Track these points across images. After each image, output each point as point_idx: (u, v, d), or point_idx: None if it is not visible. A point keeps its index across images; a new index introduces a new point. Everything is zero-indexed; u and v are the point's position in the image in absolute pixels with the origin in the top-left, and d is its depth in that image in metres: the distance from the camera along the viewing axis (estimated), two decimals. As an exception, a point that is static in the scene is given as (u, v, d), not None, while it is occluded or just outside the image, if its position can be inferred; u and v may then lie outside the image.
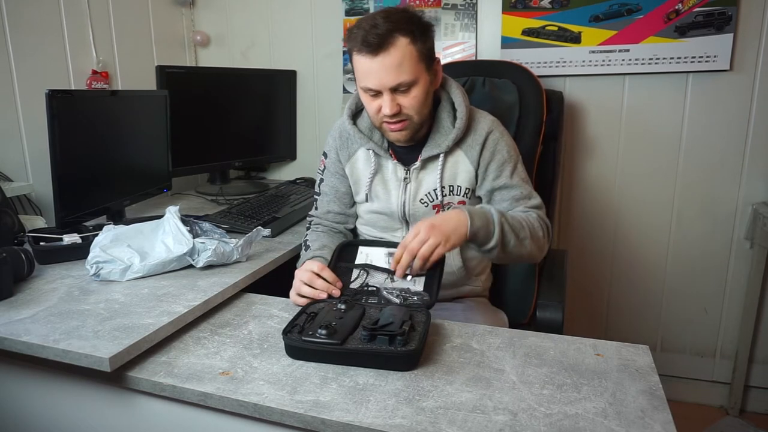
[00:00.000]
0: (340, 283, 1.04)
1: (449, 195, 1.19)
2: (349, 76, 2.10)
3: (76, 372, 0.88)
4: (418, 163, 1.18)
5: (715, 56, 1.70)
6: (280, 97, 2.17)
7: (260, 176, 2.32)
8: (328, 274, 1.04)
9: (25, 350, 0.87)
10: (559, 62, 1.84)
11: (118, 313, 0.97)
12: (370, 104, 1.11)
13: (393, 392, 0.78)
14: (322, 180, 1.31)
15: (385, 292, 1.02)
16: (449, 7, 1.92)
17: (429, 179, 1.19)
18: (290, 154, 2.26)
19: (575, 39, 1.81)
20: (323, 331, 0.86)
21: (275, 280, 1.23)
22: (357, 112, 1.24)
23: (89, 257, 1.12)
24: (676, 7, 1.70)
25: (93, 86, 1.76)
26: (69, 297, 1.05)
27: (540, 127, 1.53)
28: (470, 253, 1.23)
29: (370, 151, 1.21)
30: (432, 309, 0.98)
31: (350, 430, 0.71)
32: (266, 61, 2.20)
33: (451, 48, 1.95)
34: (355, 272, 1.09)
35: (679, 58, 1.73)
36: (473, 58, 1.93)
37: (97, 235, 1.19)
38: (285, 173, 2.30)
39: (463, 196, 1.19)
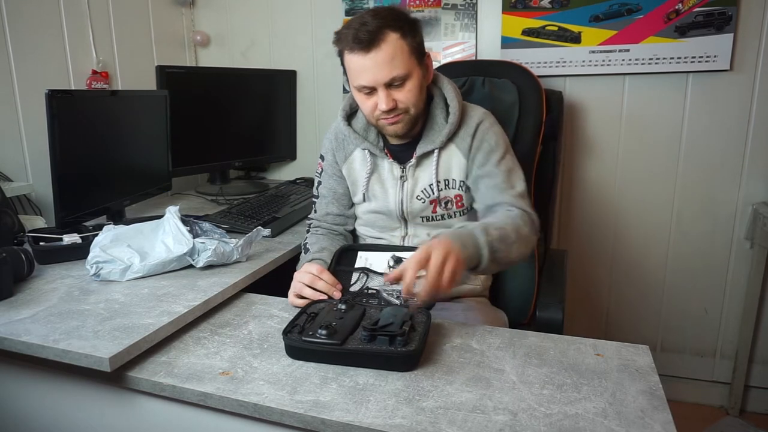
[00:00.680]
0: (340, 286, 1.04)
1: (445, 189, 1.20)
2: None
3: (76, 372, 0.88)
4: (413, 160, 1.19)
5: (715, 56, 1.70)
6: (280, 97, 2.17)
7: (260, 176, 2.32)
8: (327, 276, 1.04)
9: (24, 350, 0.87)
10: (559, 62, 1.84)
11: (118, 313, 0.97)
12: (366, 102, 1.12)
13: (393, 392, 0.78)
14: (320, 183, 1.31)
15: (385, 294, 1.03)
16: (449, 7, 1.92)
17: (425, 175, 1.20)
18: (290, 154, 2.27)
19: (575, 39, 1.81)
20: (323, 332, 0.86)
21: (275, 280, 1.23)
22: (351, 114, 1.26)
23: (89, 257, 1.12)
24: (676, 7, 1.70)
25: (93, 86, 1.76)
26: (69, 297, 1.05)
27: (539, 127, 1.53)
28: None
29: (366, 152, 1.22)
30: (432, 309, 0.98)
31: (350, 430, 0.71)
32: (266, 61, 2.20)
33: (451, 48, 1.95)
34: (355, 275, 1.09)
35: (679, 58, 1.73)
36: (473, 58, 1.93)
37: (97, 235, 1.19)
38: (285, 173, 2.30)
39: (458, 188, 1.21)
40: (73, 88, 1.71)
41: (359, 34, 1.04)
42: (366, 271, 1.08)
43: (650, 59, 1.76)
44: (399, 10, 1.10)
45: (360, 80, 1.08)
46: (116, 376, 0.85)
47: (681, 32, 1.71)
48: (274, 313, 1.05)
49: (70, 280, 1.13)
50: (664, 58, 1.74)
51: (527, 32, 1.84)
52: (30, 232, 1.31)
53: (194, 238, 1.20)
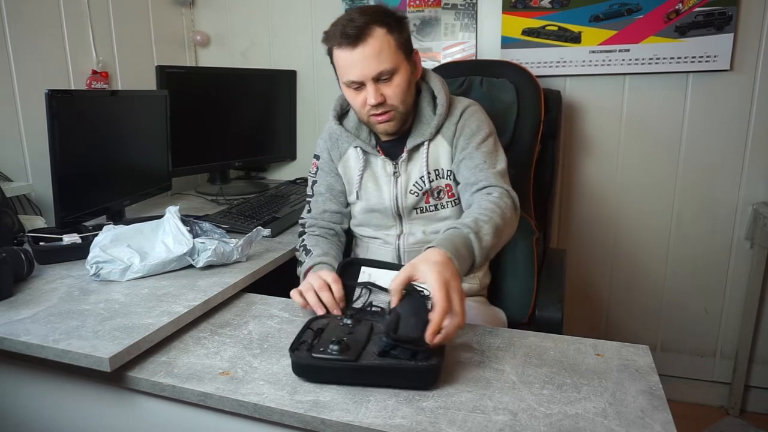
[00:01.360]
0: (344, 304, 0.99)
1: (436, 179, 1.21)
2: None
3: (76, 372, 0.88)
4: (404, 155, 1.20)
5: (715, 56, 1.70)
6: (280, 97, 2.17)
7: (260, 176, 2.32)
8: (337, 290, 0.99)
9: (24, 350, 0.87)
10: (559, 62, 1.84)
11: (118, 313, 0.97)
12: (356, 99, 1.13)
13: (393, 392, 0.78)
14: (315, 182, 1.31)
15: (379, 296, 0.99)
16: (449, 7, 1.92)
17: (416, 168, 1.21)
18: (290, 154, 2.27)
19: (575, 39, 1.81)
20: (335, 347, 0.79)
21: (275, 280, 1.23)
22: (342, 114, 1.28)
23: (89, 257, 1.12)
24: (676, 7, 1.70)
25: (93, 86, 1.76)
26: (69, 297, 1.05)
27: (538, 127, 1.53)
28: None
29: (359, 149, 1.23)
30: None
31: (350, 430, 0.71)
32: (266, 61, 2.20)
33: (451, 48, 1.94)
34: (358, 290, 1.04)
35: (679, 58, 1.73)
36: (473, 58, 1.93)
37: (97, 235, 1.19)
38: (285, 173, 2.30)
39: (447, 177, 1.21)
40: (73, 88, 1.71)
41: (347, 30, 1.07)
42: (370, 286, 1.03)
43: (650, 59, 1.76)
44: (385, 8, 1.13)
45: (348, 75, 1.10)
46: (116, 376, 0.85)
47: (681, 32, 1.71)
48: (274, 313, 1.05)
49: (70, 280, 1.13)
50: (664, 58, 1.74)
51: (527, 32, 1.84)
52: (30, 232, 1.31)
53: (194, 238, 1.20)
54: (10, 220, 1.32)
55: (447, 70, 1.63)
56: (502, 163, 1.16)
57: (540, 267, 1.44)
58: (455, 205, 1.23)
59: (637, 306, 1.98)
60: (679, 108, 1.80)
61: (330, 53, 1.14)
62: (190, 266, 1.19)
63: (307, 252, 1.20)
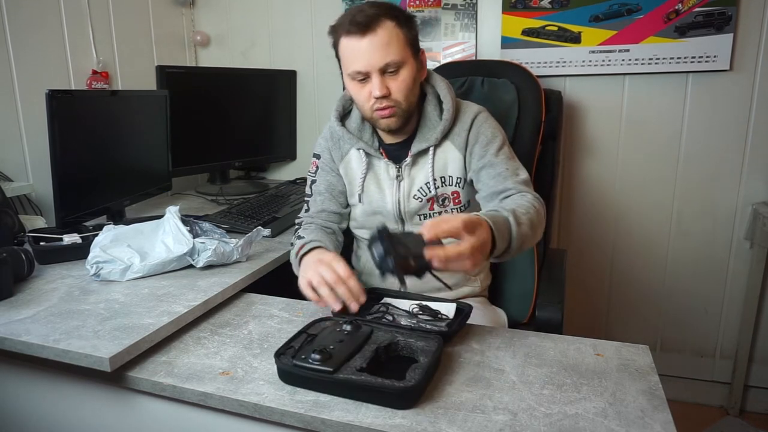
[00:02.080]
0: (364, 298, 0.94)
1: (442, 186, 1.20)
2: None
3: (76, 372, 0.88)
4: (408, 159, 1.19)
5: (715, 56, 1.70)
6: (280, 97, 2.17)
7: (260, 176, 2.32)
8: (354, 284, 0.94)
9: (25, 350, 0.87)
10: (559, 62, 1.84)
11: (118, 313, 0.97)
12: (360, 92, 1.12)
13: (393, 392, 0.78)
14: (314, 181, 1.29)
15: (397, 310, 0.98)
16: (449, 7, 1.92)
17: (421, 174, 1.19)
18: (290, 154, 2.27)
19: (575, 39, 1.81)
20: (317, 356, 0.78)
21: (275, 280, 1.23)
22: (345, 115, 1.26)
23: (89, 257, 1.12)
24: (676, 7, 1.70)
25: (93, 86, 1.76)
26: (69, 297, 1.05)
27: (539, 127, 1.53)
28: None
29: (361, 151, 1.22)
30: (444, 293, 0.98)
31: (350, 430, 0.71)
32: (266, 61, 2.20)
33: (451, 48, 1.95)
34: (375, 307, 1.01)
35: (679, 58, 1.73)
36: (473, 58, 1.93)
37: (97, 235, 1.19)
38: (285, 173, 2.30)
39: (455, 185, 1.20)
40: (73, 88, 1.71)
41: (357, 18, 1.06)
42: (387, 306, 1.01)
43: (650, 59, 1.76)
44: (395, 5, 1.12)
45: (354, 65, 1.08)
46: (116, 376, 0.85)
47: (681, 32, 1.71)
48: (274, 313, 1.05)
49: (70, 280, 1.13)
50: (664, 58, 1.75)
51: (527, 32, 1.84)
52: (30, 232, 1.31)
53: (194, 238, 1.20)
54: (10, 220, 1.32)
55: (448, 71, 1.63)
56: (524, 171, 1.15)
57: (540, 267, 1.44)
58: (461, 211, 1.22)
59: (637, 306, 1.98)
60: (679, 108, 1.80)
61: (336, 45, 1.12)
62: (190, 266, 1.19)
63: (300, 237, 1.17)
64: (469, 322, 0.97)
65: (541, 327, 1.18)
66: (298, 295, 1.02)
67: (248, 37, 2.20)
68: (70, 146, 1.34)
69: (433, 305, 0.99)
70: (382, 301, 1.02)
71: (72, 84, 1.72)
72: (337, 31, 1.10)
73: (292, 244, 1.20)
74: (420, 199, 1.20)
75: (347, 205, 1.29)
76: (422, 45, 1.17)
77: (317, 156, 1.30)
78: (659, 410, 0.73)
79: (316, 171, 1.29)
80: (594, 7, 1.77)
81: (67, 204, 1.34)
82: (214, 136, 1.99)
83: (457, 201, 1.22)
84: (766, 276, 1.80)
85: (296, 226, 1.28)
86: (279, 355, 0.81)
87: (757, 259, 1.79)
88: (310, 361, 0.78)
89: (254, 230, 1.27)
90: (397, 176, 1.20)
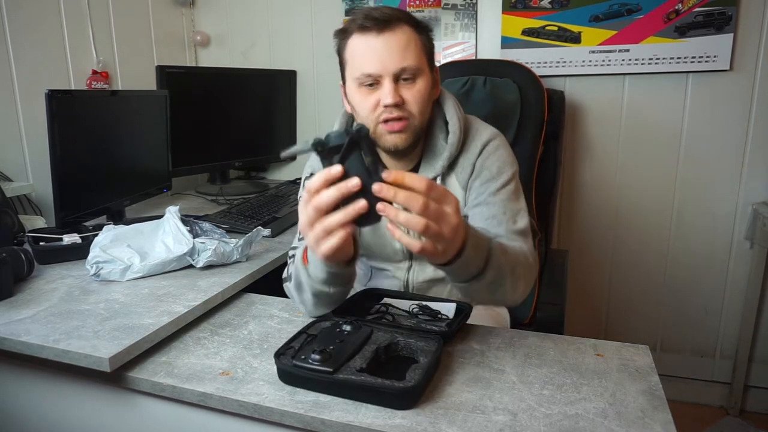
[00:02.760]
0: (357, 180, 0.69)
1: None
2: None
3: (76, 372, 0.88)
4: None
5: (715, 56, 1.70)
6: (280, 97, 2.17)
7: (260, 176, 2.32)
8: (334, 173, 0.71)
9: (25, 350, 0.87)
10: (559, 62, 1.84)
11: (118, 313, 0.97)
12: (365, 99, 0.96)
13: (393, 392, 0.77)
14: None
15: (396, 311, 0.97)
16: (449, 7, 1.92)
17: None
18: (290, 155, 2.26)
19: (575, 39, 1.81)
20: (317, 356, 0.77)
21: (275, 280, 1.23)
22: None
23: (89, 257, 1.12)
24: (676, 7, 1.70)
25: (93, 86, 1.76)
26: (69, 297, 1.05)
27: (541, 127, 1.54)
28: None
29: None
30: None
31: (350, 430, 0.71)
32: (266, 61, 2.20)
33: (451, 48, 1.95)
34: (375, 308, 1.01)
35: (679, 58, 1.73)
36: (473, 58, 1.93)
37: (97, 235, 1.19)
38: (285, 173, 2.30)
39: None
40: (73, 88, 1.71)
41: (373, 13, 0.93)
42: (387, 306, 1.00)
43: (650, 59, 1.76)
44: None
45: (365, 67, 0.94)
46: (116, 376, 0.85)
47: (681, 32, 1.71)
48: (274, 313, 1.05)
49: (70, 280, 1.13)
50: (664, 58, 1.75)
51: (527, 32, 1.84)
52: (30, 232, 1.31)
53: (194, 238, 1.20)
54: (10, 220, 1.32)
55: (449, 70, 1.63)
56: (524, 218, 1.00)
57: (542, 267, 1.44)
58: None
59: (638, 306, 1.98)
60: (679, 108, 1.80)
61: (342, 47, 0.99)
62: (190, 266, 1.19)
63: (292, 257, 1.01)
64: (470, 322, 0.97)
65: (542, 327, 1.19)
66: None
67: (248, 37, 2.20)
68: (70, 146, 1.34)
69: (433, 305, 0.99)
70: (382, 301, 1.02)
71: (72, 84, 1.72)
72: (346, 30, 0.97)
73: (285, 279, 1.02)
74: None
75: None
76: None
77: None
78: (659, 410, 0.73)
79: None
80: (594, 7, 1.77)
81: (67, 204, 1.34)
82: (214, 136, 1.99)
83: None
84: (766, 276, 1.80)
85: (289, 259, 1.04)
86: (279, 355, 0.81)
87: (757, 260, 1.79)
88: (310, 361, 0.77)
89: (254, 230, 1.26)
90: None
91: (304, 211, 0.73)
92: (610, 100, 1.85)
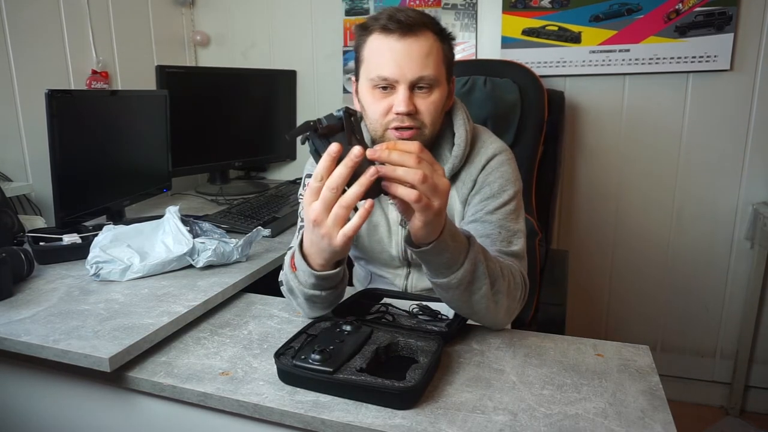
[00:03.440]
0: (360, 149, 0.70)
1: None
2: (349, 76, 2.09)
3: (76, 372, 0.88)
4: None
5: (715, 56, 1.70)
6: (280, 97, 2.17)
7: (260, 176, 2.32)
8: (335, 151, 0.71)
9: (25, 350, 0.87)
10: (559, 62, 1.84)
11: (118, 313, 0.97)
12: (378, 102, 0.94)
13: (393, 392, 0.77)
14: None
15: (396, 311, 0.97)
16: (449, 7, 1.92)
17: None
18: (290, 154, 2.27)
19: (575, 39, 1.81)
20: (317, 356, 0.77)
21: (275, 280, 1.23)
22: None
23: (89, 257, 1.12)
24: (677, 7, 1.70)
25: (93, 86, 1.76)
26: (69, 297, 1.05)
27: (541, 127, 1.53)
28: None
29: None
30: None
31: (350, 430, 0.71)
32: (266, 61, 2.20)
33: (451, 48, 1.94)
34: (375, 307, 1.00)
35: (679, 58, 1.73)
36: (473, 58, 1.92)
37: (97, 235, 1.19)
38: (285, 173, 2.30)
39: None
40: (73, 88, 1.71)
41: (398, 16, 0.90)
42: (387, 306, 1.00)
43: (650, 59, 1.76)
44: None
45: (382, 69, 0.92)
46: (116, 376, 0.85)
47: (681, 32, 1.71)
48: (274, 313, 1.05)
49: (70, 280, 1.13)
50: (664, 58, 1.74)
51: (527, 32, 1.84)
52: (30, 232, 1.31)
53: (194, 238, 1.20)
54: (10, 220, 1.32)
55: (447, 70, 1.63)
56: (520, 241, 0.98)
57: (542, 268, 1.44)
58: None
59: (638, 306, 1.98)
60: (679, 108, 1.80)
61: (360, 44, 0.96)
62: (190, 266, 1.19)
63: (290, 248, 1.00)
64: (470, 322, 0.97)
65: (542, 327, 1.18)
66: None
67: (248, 37, 2.20)
68: (70, 146, 1.34)
69: (433, 305, 0.99)
70: (382, 302, 1.02)
71: (72, 84, 1.72)
72: (367, 28, 0.94)
73: (280, 282, 1.00)
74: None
75: None
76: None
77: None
78: (659, 410, 0.73)
79: None
80: (594, 6, 1.77)
81: (67, 204, 1.34)
82: (214, 136, 1.99)
83: None
84: (766, 276, 1.80)
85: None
86: (279, 355, 0.81)
87: (757, 260, 1.78)
88: (310, 361, 0.77)
89: (254, 230, 1.26)
90: (403, 220, 1.03)
91: (315, 198, 0.72)
92: (610, 100, 1.85)
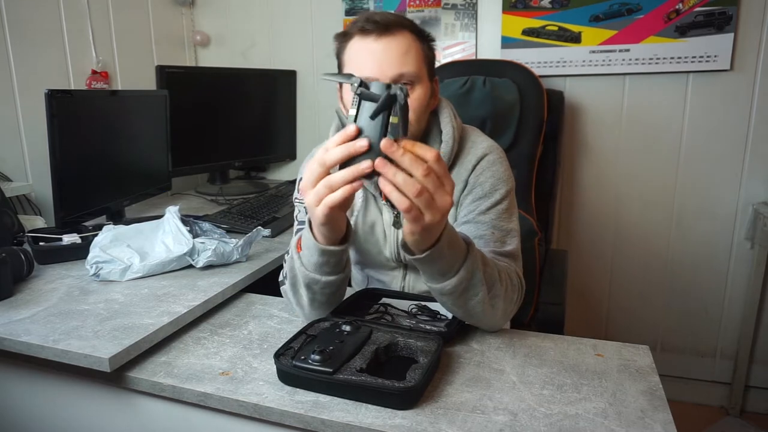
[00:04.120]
0: (365, 141, 0.68)
1: None
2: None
3: (76, 372, 0.88)
4: None
5: (715, 56, 1.70)
6: (280, 97, 2.17)
7: (260, 176, 2.32)
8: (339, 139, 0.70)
9: (24, 350, 0.87)
10: (559, 62, 1.84)
11: (118, 313, 0.97)
12: None
13: (393, 392, 0.77)
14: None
15: (395, 311, 0.97)
16: (449, 7, 1.92)
17: None
18: (290, 154, 2.27)
19: (575, 39, 1.81)
20: (317, 357, 0.77)
21: (275, 280, 1.23)
22: None
23: (89, 257, 1.12)
24: (677, 7, 1.70)
25: (93, 86, 1.76)
26: (69, 297, 1.05)
27: (541, 127, 1.54)
28: None
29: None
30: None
31: (350, 431, 0.71)
32: (266, 61, 2.20)
33: (451, 48, 1.94)
34: (373, 307, 1.00)
35: (679, 58, 1.73)
36: (473, 58, 1.92)
37: (96, 235, 1.19)
38: (285, 173, 2.30)
39: None
40: (73, 88, 1.71)
41: (374, 17, 0.93)
42: (386, 306, 1.00)
43: (650, 59, 1.76)
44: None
45: (362, 70, 0.93)
46: (116, 377, 0.85)
47: (681, 32, 1.71)
48: (274, 313, 1.05)
49: (70, 280, 1.13)
50: (664, 58, 1.74)
51: (527, 32, 1.84)
52: (30, 232, 1.31)
53: (194, 238, 1.20)
54: (9, 220, 1.32)
55: (449, 70, 1.64)
56: (514, 241, 0.98)
57: (541, 268, 1.44)
58: None
59: (638, 306, 1.98)
60: (679, 108, 1.80)
61: (341, 50, 0.98)
62: (190, 266, 1.19)
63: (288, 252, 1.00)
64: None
65: (542, 327, 1.18)
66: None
67: (248, 37, 2.20)
68: (70, 146, 1.34)
69: (432, 305, 0.99)
70: (381, 302, 1.02)
71: (71, 84, 1.72)
72: (347, 33, 0.97)
73: (281, 282, 1.01)
74: None
75: None
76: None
77: None
78: (659, 410, 0.73)
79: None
80: (594, 6, 1.77)
81: (67, 204, 1.34)
82: (214, 136, 1.99)
83: None
84: (766, 276, 1.80)
85: (285, 263, 1.03)
86: (278, 355, 0.81)
87: (757, 260, 1.78)
88: (310, 361, 0.77)
89: (254, 230, 1.26)
90: (396, 222, 1.06)
91: (308, 168, 0.73)
92: (610, 100, 1.85)
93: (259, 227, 1.31)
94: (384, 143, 0.66)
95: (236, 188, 2.04)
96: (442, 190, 0.70)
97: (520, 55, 1.84)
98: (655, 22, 1.73)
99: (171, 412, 0.85)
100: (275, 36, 2.17)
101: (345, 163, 0.69)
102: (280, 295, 1.11)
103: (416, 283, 1.10)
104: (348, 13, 2.04)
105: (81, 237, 1.29)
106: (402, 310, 0.98)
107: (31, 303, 1.02)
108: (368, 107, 0.69)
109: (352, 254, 1.15)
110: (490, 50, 1.90)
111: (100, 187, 1.47)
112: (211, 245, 1.18)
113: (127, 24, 1.92)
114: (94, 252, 1.13)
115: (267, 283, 1.22)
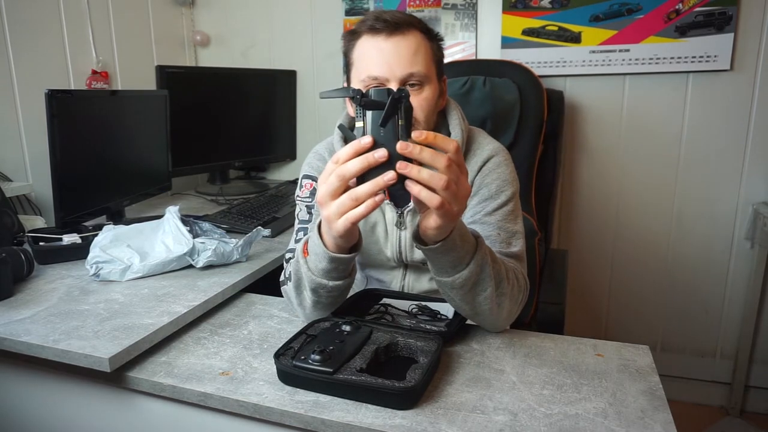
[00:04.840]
0: (384, 151, 0.68)
1: None
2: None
3: (76, 372, 0.88)
4: (411, 205, 0.91)
5: (715, 56, 1.70)
6: (280, 97, 2.17)
7: (260, 176, 2.32)
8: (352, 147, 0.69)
9: (25, 350, 0.87)
10: (559, 62, 1.84)
11: (118, 313, 0.97)
12: None
13: (393, 392, 0.77)
14: (309, 206, 1.07)
15: (395, 311, 0.97)
16: (449, 7, 1.92)
17: None
18: (290, 154, 2.27)
19: (575, 39, 1.81)
20: (317, 357, 0.77)
21: (275, 280, 1.23)
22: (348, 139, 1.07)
23: (89, 257, 1.12)
24: (677, 7, 1.70)
25: (93, 86, 1.76)
26: (69, 297, 1.05)
27: (541, 127, 1.53)
28: None
29: None
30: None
31: (350, 430, 0.71)
32: (266, 61, 2.20)
33: (451, 48, 1.94)
34: (374, 307, 1.00)
35: (679, 58, 1.73)
36: (473, 58, 1.92)
37: (96, 235, 1.19)
38: (285, 173, 2.30)
39: None
40: (73, 88, 1.71)
41: (384, 16, 0.92)
42: (386, 306, 1.00)
43: (650, 59, 1.76)
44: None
45: (371, 69, 0.92)
46: (116, 376, 0.85)
47: (681, 32, 1.71)
48: (274, 313, 1.05)
49: (70, 280, 1.13)
50: (664, 58, 1.74)
51: (527, 32, 1.84)
52: (30, 232, 1.31)
53: (194, 238, 1.20)
54: (9, 220, 1.32)
55: (449, 70, 1.62)
56: (519, 242, 0.98)
57: (541, 268, 1.44)
58: None
59: (638, 306, 1.98)
60: (679, 108, 1.80)
61: (349, 48, 0.97)
62: (190, 266, 1.19)
63: (293, 253, 1.00)
64: (468, 321, 0.97)
65: (542, 327, 1.18)
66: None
67: (248, 37, 2.20)
68: (70, 146, 1.34)
69: (432, 305, 0.99)
70: (381, 302, 1.02)
71: (72, 84, 1.72)
72: (355, 32, 0.96)
73: (282, 282, 1.01)
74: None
75: None
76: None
77: (312, 178, 1.09)
78: (659, 410, 0.73)
79: (310, 194, 1.08)
80: (594, 6, 1.77)
81: (67, 204, 1.34)
82: (214, 136, 1.99)
83: None
84: (766, 276, 1.80)
85: (286, 262, 1.04)
86: (278, 355, 0.81)
87: (757, 260, 1.78)
88: (310, 361, 0.77)
89: (254, 230, 1.26)
90: (399, 222, 1.03)
91: (326, 181, 0.71)
92: (610, 100, 1.85)
93: (259, 227, 1.31)
94: (400, 145, 0.67)
95: (236, 188, 2.05)
96: (463, 177, 0.71)
97: (520, 55, 1.84)
98: (655, 22, 1.73)
99: (171, 412, 0.85)
100: (275, 36, 2.17)
101: (362, 176, 0.69)
102: (280, 295, 1.11)
103: (416, 283, 1.10)
104: (348, 13, 2.04)
105: (81, 237, 1.29)
106: (402, 310, 0.98)
107: (32, 303, 1.02)
108: (374, 116, 0.69)
109: (358, 257, 1.13)
110: (490, 50, 1.90)
111: (100, 187, 1.47)
112: (211, 245, 1.18)
113: (127, 24, 1.92)
114: (94, 252, 1.13)
115: (267, 283, 1.22)
